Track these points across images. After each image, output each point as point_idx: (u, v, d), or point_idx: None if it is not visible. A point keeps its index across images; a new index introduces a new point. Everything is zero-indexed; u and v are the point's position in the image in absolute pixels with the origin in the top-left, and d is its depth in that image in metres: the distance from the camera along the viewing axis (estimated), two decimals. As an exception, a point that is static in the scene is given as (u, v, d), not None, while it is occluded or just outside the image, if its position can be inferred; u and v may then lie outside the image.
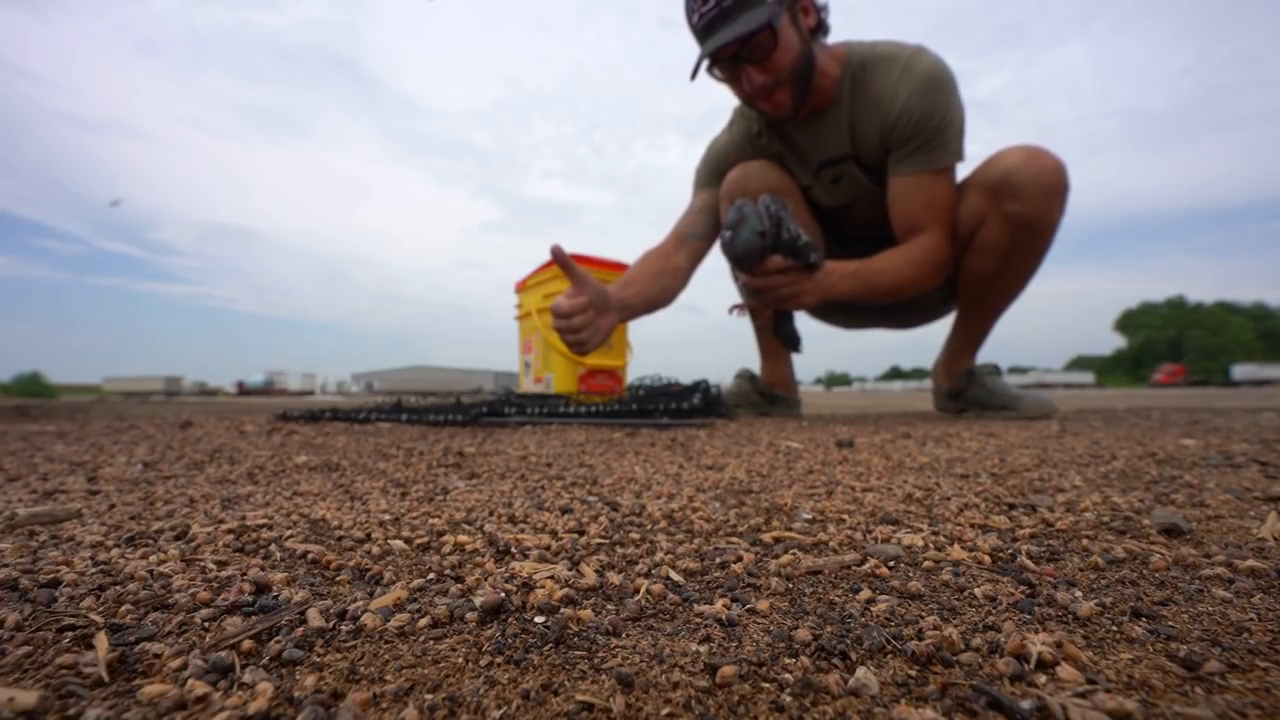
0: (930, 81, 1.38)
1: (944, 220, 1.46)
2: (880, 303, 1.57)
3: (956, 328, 1.78)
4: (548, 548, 0.43)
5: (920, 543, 0.44)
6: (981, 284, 1.60)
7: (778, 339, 1.57)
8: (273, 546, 0.43)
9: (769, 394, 1.90)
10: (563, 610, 0.31)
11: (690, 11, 1.37)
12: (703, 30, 1.35)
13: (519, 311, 2.14)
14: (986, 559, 0.40)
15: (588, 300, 1.22)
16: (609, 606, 0.33)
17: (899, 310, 1.83)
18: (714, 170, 1.70)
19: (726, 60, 1.38)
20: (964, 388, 1.79)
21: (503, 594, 0.33)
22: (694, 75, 1.40)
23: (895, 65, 1.42)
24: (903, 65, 1.41)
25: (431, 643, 0.28)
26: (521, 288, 2.11)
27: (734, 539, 0.46)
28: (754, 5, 1.31)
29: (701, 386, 1.69)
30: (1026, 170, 1.42)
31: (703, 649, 0.27)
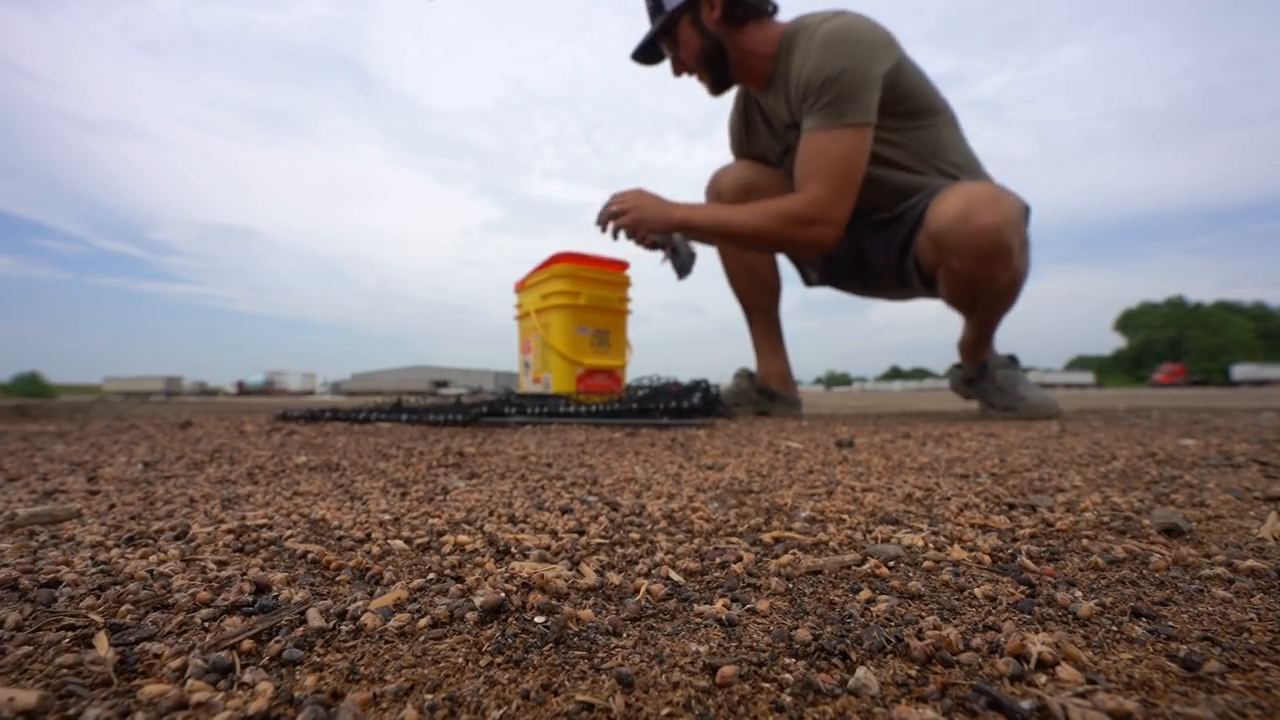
0: (826, 42, 1.40)
1: (823, 177, 1.42)
2: (748, 249, 1.65)
3: (965, 321, 1.79)
4: (548, 548, 0.43)
5: (920, 543, 0.44)
6: (961, 307, 1.63)
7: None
8: (273, 546, 0.43)
9: (766, 391, 1.90)
10: (563, 610, 0.31)
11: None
12: (650, 18, 1.59)
13: (518, 311, 2.13)
14: (986, 559, 0.40)
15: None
16: (609, 606, 0.33)
17: (873, 285, 1.82)
18: (734, 145, 1.86)
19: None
20: (976, 379, 1.79)
21: (503, 594, 0.33)
22: (636, 58, 1.64)
23: (806, 33, 1.46)
24: (811, 32, 1.44)
25: (431, 643, 0.28)
26: (520, 287, 2.10)
27: (734, 539, 0.46)
28: (658, 12, 1.55)
29: (701, 386, 1.69)
30: (960, 231, 1.38)
31: (703, 649, 0.27)
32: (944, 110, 1.55)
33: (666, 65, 1.65)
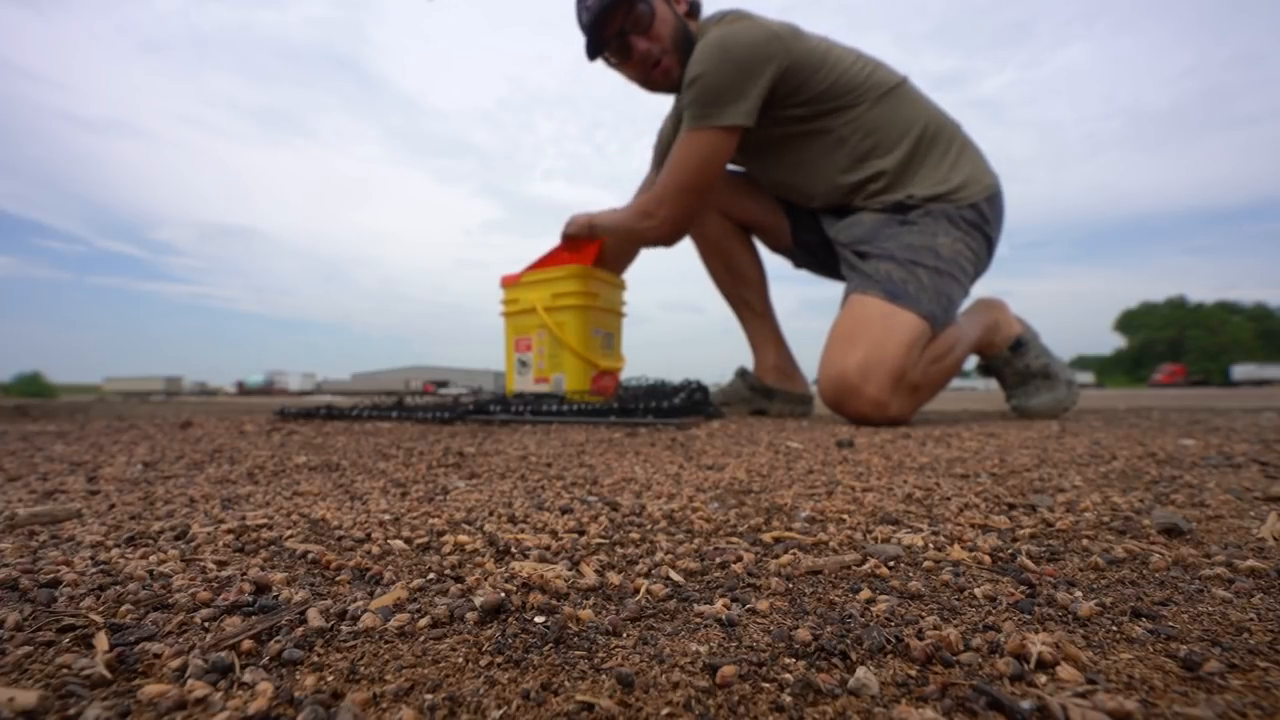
0: (701, 48, 1.43)
1: (663, 177, 1.52)
2: (631, 244, 1.77)
3: None
4: (548, 548, 0.43)
5: (920, 543, 0.44)
6: None
7: None
8: (273, 546, 0.43)
9: (762, 388, 1.84)
10: (563, 610, 0.31)
11: (580, 14, 1.56)
12: (592, 23, 1.54)
13: (508, 307, 2.07)
14: (986, 559, 0.40)
15: None
16: (609, 606, 0.33)
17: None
18: (660, 154, 1.92)
19: (617, 40, 1.55)
20: (986, 373, 1.78)
21: (503, 594, 0.33)
22: (593, 55, 1.59)
23: (709, 28, 1.50)
24: (711, 30, 1.48)
25: (431, 643, 0.28)
26: (514, 281, 2.04)
27: (734, 539, 0.46)
28: None
29: (689, 386, 1.68)
30: (839, 410, 1.42)
31: (703, 649, 0.27)
32: (871, 90, 1.50)
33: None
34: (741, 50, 1.40)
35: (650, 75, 1.61)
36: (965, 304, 1.59)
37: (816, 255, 1.78)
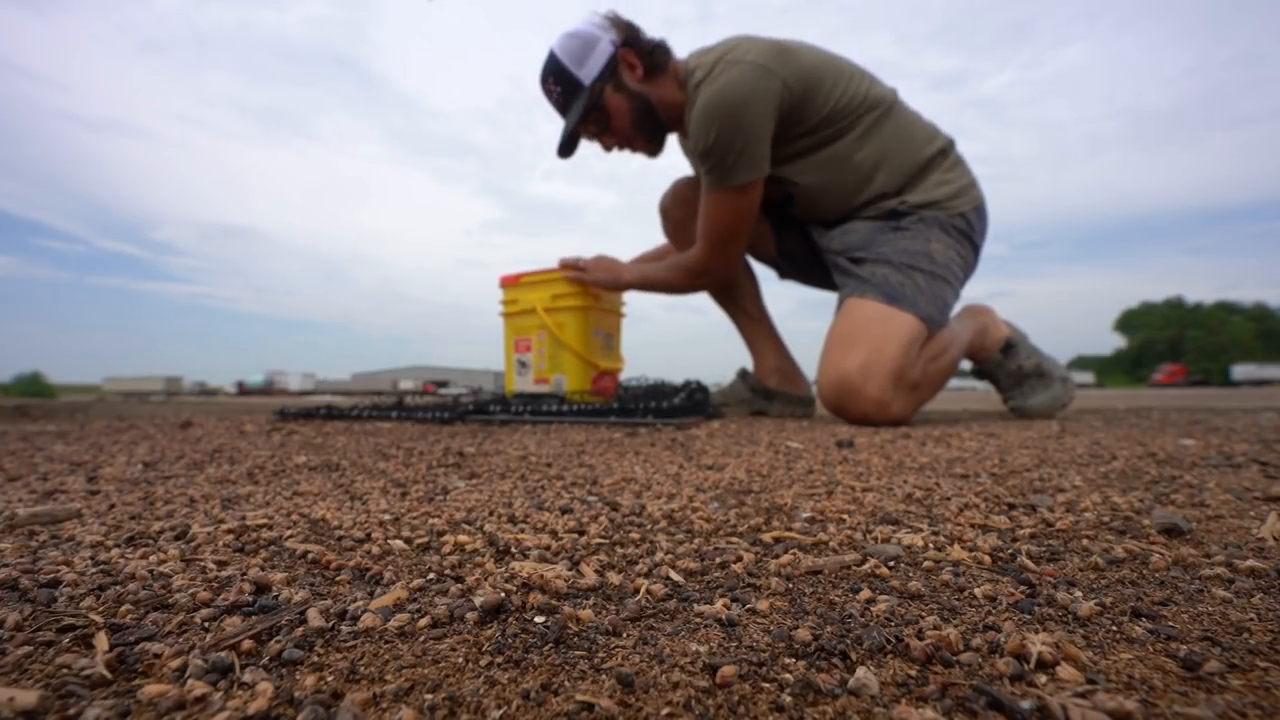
0: (701, 114, 1.40)
1: (703, 238, 1.55)
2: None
3: None
4: (548, 548, 0.43)
5: (920, 543, 0.44)
6: None
7: None
8: (273, 546, 0.43)
9: (762, 389, 1.84)
10: (563, 610, 0.31)
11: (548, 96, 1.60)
12: (560, 113, 1.58)
13: (508, 308, 2.06)
14: (986, 559, 0.40)
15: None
16: (609, 606, 0.33)
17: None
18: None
19: (588, 139, 1.63)
20: (980, 376, 1.78)
21: (503, 594, 0.33)
22: (565, 154, 1.64)
23: (693, 92, 1.46)
24: (694, 93, 1.44)
25: (431, 643, 0.28)
26: (514, 282, 2.03)
27: (734, 539, 0.46)
28: (576, 95, 1.52)
29: (689, 386, 1.68)
30: (840, 412, 1.43)
31: (703, 649, 0.27)
32: (870, 110, 1.49)
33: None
34: (741, 108, 1.37)
35: (628, 149, 1.67)
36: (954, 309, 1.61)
37: (800, 265, 1.79)
